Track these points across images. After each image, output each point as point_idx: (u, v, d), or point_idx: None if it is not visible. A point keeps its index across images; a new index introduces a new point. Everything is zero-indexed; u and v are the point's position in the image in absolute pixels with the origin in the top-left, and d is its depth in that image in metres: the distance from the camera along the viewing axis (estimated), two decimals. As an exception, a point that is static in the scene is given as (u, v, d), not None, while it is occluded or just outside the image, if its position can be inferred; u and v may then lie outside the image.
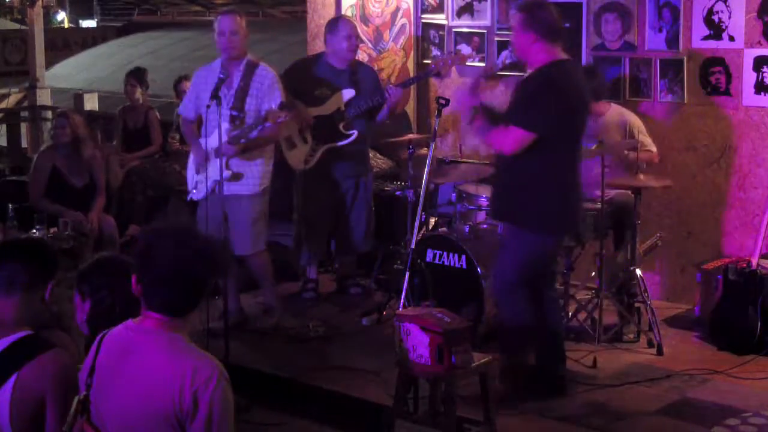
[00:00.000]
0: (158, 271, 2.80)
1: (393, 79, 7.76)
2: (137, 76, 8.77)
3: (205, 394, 2.73)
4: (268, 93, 5.96)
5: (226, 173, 5.83)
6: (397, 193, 7.13)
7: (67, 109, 7.99)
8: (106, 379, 2.83)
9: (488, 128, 5.08)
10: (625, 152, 6.17)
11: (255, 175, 6.05)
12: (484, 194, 6.24)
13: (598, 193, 5.78)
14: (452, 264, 5.91)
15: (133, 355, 2.80)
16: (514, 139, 4.91)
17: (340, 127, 6.55)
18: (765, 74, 6.26)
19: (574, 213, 5.19)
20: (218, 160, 5.75)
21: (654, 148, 6.36)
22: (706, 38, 6.45)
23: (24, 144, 11.79)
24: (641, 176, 5.99)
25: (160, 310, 2.82)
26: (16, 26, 20.55)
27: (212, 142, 5.93)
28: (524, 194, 5.01)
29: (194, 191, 6.10)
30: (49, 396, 3.04)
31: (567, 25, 6.86)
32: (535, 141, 4.87)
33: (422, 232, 6.26)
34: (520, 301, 5.10)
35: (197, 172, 6.09)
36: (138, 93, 8.66)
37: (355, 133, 6.58)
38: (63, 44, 20.83)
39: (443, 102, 5.79)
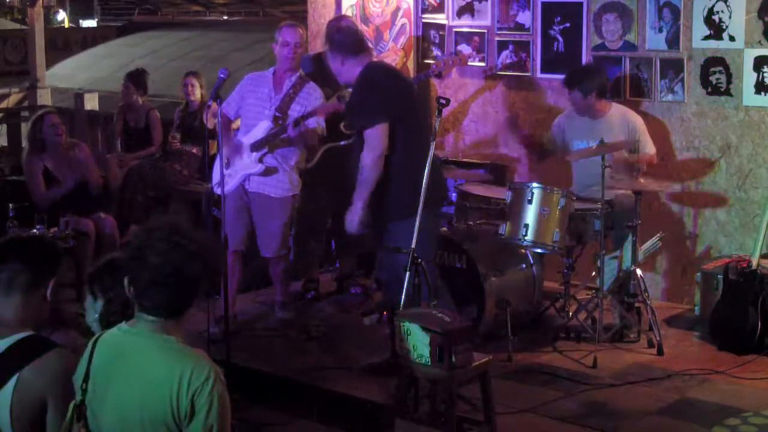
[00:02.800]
0: (151, 273, 2.77)
1: (393, 79, 7.75)
2: (134, 78, 8.74)
3: (201, 395, 2.72)
4: (313, 104, 6.13)
5: (259, 168, 6.07)
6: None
7: (46, 110, 7.95)
8: (102, 384, 2.81)
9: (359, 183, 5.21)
10: (625, 156, 6.19)
11: (284, 179, 6.16)
12: (484, 194, 6.24)
13: (599, 192, 5.79)
14: (452, 264, 5.92)
15: (128, 359, 2.79)
16: (371, 141, 5.10)
17: (341, 126, 6.55)
18: (765, 74, 6.26)
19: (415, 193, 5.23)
20: (252, 155, 6.10)
21: (653, 150, 6.36)
22: (706, 38, 6.45)
23: (24, 144, 11.78)
24: (641, 179, 5.99)
25: (153, 312, 2.80)
26: (17, 26, 20.55)
27: (252, 136, 6.11)
28: (390, 189, 5.19)
29: (218, 185, 6.11)
30: (51, 397, 3.01)
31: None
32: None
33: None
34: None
35: (226, 167, 6.13)
36: (134, 95, 8.63)
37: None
38: (63, 44, 20.82)
39: (443, 102, 5.79)
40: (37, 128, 7.33)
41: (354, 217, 5.26)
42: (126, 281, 2.83)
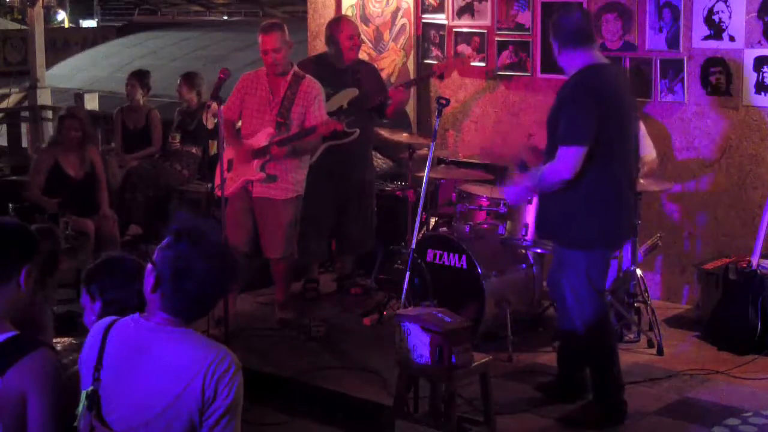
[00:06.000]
0: (188, 285, 2.76)
1: (393, 79, 7.76)
2: (139, 76, 8.78)
3: (222, 382, 2.76)
4: (313, 103, 6.11)
5: (261, 176, 6.06)
6: (397, 193, 7.13)
7: (73, 107, 8.02)
8: (118, 375, 2.79)
9: (537, 177, 4.82)
10: None
11: (289, 180, 6.16)
12: (484, 194, 6.25)
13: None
14: (452, 264, 5.92)
15: (148, 352, 2.78)
16: (565, 161, 4.67)
17: (343, 125, 6.55)
18: (765, 74, 6.26)
19: (616, 225, 4.91)
20: (254, 162, 6.06)
21: (653, 154, 6.32)
22: (706, 38, 6.45)
23: (24, 144, 11.79)
24: (641, 180, 5.99)
25: (176, 315, 2.80)
26: (17, 26, 20.57)
27: (254, 143, 6.10)
28: (564, 211, 4.81)
29: (217, 187, 6.10)
30: (33, 397, 2.88)
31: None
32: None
33: (422, 232, 6.27)
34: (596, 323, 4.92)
35: (229, 169, 6.12)
36: (138, 94, 8.66)
37: (356, 131, 6.58)
38: (63, 44, 20.84)
39: (443, 102, 5.80)
40: (59, 125, 7.44)
41: (512, 192, 4.98)
42: (154, 282, 2.79)
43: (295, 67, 6.24)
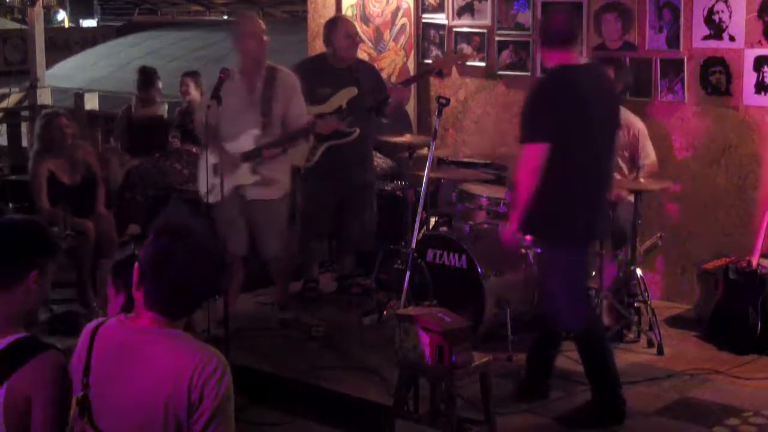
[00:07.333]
0: (173, 281, 2.74)
1: (393, 79, 7.76)
2: (151, 74, 8.75)
3: (209, 384, 2.72)
4: (293, 96, 6.04)
5: (254, 178, 5.98)
6: (397, 193, 7.13)
7: (55, 111, 7.89)
8: (106, 379, 2.79)
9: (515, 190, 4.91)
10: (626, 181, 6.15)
11: (280, 179, 6.13)
12: (484, 194, 6.25)
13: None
14: (452, 264, 5.92)
15: (135, 354, 2.77)
16: (525, 157, 4.76)
17: (342, 124, 6.54)
18: (765, 74, 6.26)
19: (580, 224, 4.92)
20: (243, 165, 5.97)
21: (654, 158, 6.32)
22: (706, 38, 6.45)
23: (24, 144, 11.77)
24: (641, 179, 5.99)
25: (163, 313, 2.79)
26: (16, 26, 20.55)
27: (240, 146, 5.98)
28: (538, 207, 4.81)
29: (208, 194, 5.97)
30: (37, 400, 2.86)
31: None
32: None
33: (422, 231, 6.27)
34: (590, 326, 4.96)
35: (215, 173, 6.04)
36: (155, 95, 8.66)
37: (356, 131, 6.57)
38: (63, 44, 20.83)
39: (443, 101, 5.80)
40: (46, 129, 7.26)
41: (504, 237, 4.97)
42: (137, 280, 2.78)
43: (268, 61, 6.15)
